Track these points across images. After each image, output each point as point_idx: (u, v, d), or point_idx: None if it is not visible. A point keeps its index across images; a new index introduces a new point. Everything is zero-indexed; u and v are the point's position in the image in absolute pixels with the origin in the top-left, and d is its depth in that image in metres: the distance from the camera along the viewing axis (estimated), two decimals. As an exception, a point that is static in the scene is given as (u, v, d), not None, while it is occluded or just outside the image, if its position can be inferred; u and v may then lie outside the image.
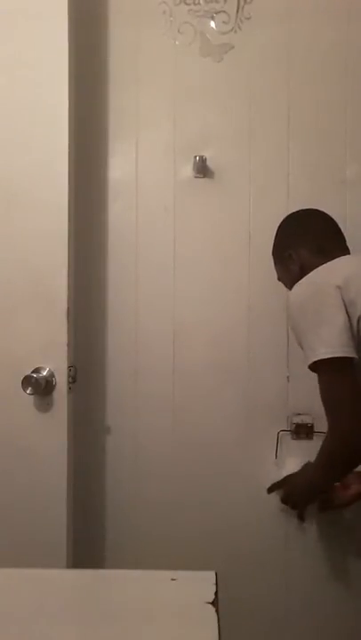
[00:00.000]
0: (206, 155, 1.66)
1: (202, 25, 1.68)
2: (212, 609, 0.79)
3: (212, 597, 0.82)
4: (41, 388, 1.45)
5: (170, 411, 1.69)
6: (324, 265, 1.41)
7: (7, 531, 1.49)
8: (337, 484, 1.54)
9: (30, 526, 1.49)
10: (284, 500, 1.60)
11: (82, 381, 1.63)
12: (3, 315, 1.52)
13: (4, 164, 1.52)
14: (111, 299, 1.70)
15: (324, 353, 1.30)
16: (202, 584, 0.86)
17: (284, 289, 1.56)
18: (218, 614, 0.78)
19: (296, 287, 1.41)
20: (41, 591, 0.88)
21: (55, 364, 1.48)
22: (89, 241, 1.68)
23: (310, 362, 1.33)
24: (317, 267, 1.41)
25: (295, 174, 1.67)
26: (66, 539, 1.48)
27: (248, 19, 1.67)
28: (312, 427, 1.65)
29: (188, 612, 0.81)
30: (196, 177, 1.68)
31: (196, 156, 1.65)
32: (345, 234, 1.55)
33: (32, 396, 1.47)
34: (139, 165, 1.70)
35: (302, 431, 1.66)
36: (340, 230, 1.51)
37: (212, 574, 0.88)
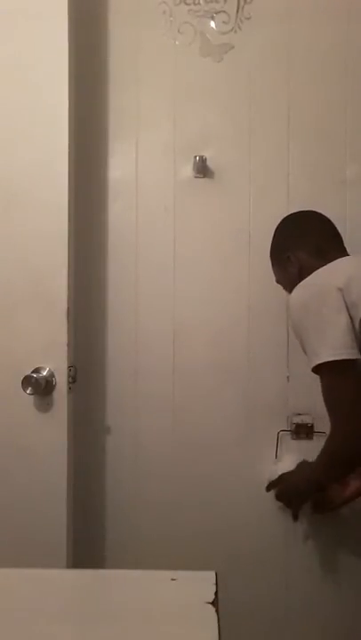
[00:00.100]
0: (206, 155, 1.66)
1: (202, 25, 1.68)
2: (212, 609, 0.79)
3: (212, 597, 0.82)
4: (41, 388, 1.45)
5: (170, 411, 1.69)
6: (325, 267, 1.41)
7: (7, 531, 1.49)
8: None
9: (30, 526, 1.49)
10: (279, 498, 1.60)
11: (82, 381, 1.63)
12: (3, 315, 1.52)
13: (4, 164, 1.52)
14: (111, 299, 1.70)
15: (327, 355, 1.30)
16: (202, 584, 0.86)
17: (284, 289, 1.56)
18: (218, 614, 0.78)
19: (297, 289, 1.40)
20: (41, 591, 0.88)
21: (55, 364, 1.48)
22: (89, 241, 1.68)
23: (314, 365, 1.33)
24: (316, 269, 1.41)
25: (295, 174, 1.67)
26: (66, 539, 1.48)
27: (248, 19, 1.67)
28: (312, 427, 1.65)
29: (188, 612, 0.81)
30: (196, 177, 1.68)
31: (196, 156, 1.65)
32: (345, 234, 1.55)
33: (32, 396, 1.47)
34: (139, 165, 1.70)
35: (302, 431, 1.66)
36: (337, 232, 1.50)
37: (212, 574, 0.88)
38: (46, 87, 1.49)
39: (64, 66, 1.48)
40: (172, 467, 1.69)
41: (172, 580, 0.88)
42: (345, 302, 1.31)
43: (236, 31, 1.67)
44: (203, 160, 1.65)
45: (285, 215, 1.57)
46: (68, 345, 1.48)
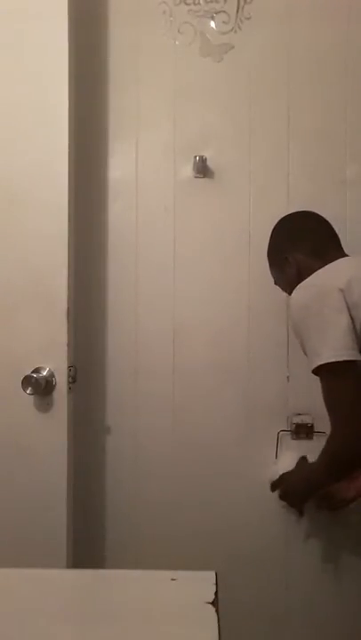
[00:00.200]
0: (206, 155, 1.66)
1: (202, 25, 1.68)
2: (212, 609, 0.79)
3: (212, 597, 0.81)
4: (41, 388, 1.45)
5: (170, 411, 1.69)
6: (325, 268, 1.40)
7: (7, 531, 1.49)
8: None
9: (30, 526, 1.49)
10: (282, 498, 1.60)
11: (82, 381, 1.63)
12: (3, 315, 1.52)
13: (4, 164, 1.52)
14: (111, 299, 1.70)
15: (328, 357, 1.30)
16: (202, 584, 0.85)
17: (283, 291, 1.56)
18: (218, 614, 0.78)
19: (298, 290, 1.40)
20: (41, 591, 0.88)
21: (55, 364, 1.48)
22: (89, 241, 1.68)
23: (315, 366, 1.32)
24: (315, 269, 1.41)
25: (295, 174, 1.67)
26: (66, 539, 1.48)
27: (248, 19, 1.67)
28: (312, 427, 1.65)
29: (188, 612, 0.81)
30: (196, 177, 1.68)
31: (196, 156, 1.65)
32: (345, 234, 1.55)
33: (32, 396, 1.47)
34: (139, 165, 1.70)
35: (302, 431, 1.66)
36: (334, 232, 1.50)
37: (212, 574, 0.88)
38: (46, 87, 1.49)
39: (64, 66, 1.48)
40: (172, 467, 1.69)
41: (172, 580, 0.88)
42: (346, 303, 1.31)
43: (236, 31, 1.67)
44: (203, 160, 1.65)
45: (284, 215, 1.57)
46: (68, 345, 1.48)
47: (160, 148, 1.69)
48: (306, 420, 1.66)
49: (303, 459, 1.58)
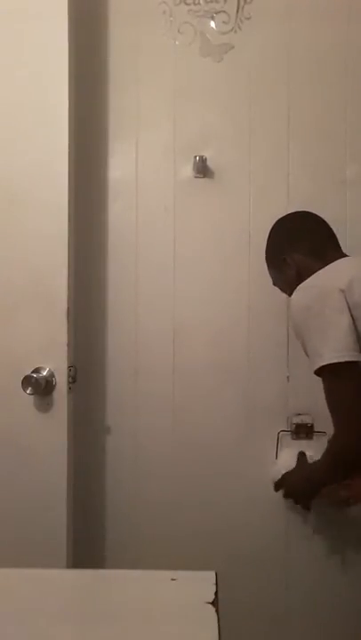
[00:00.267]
0: (206, 155, 1.66)
1: (202, 25, 1.68)
2: (212, 609, 0.79)
3: (212, 597, 0.81)
4: (41, 388, 1.45)
5: (170, 411, 1.69)
6: (326, 268, 1.40)
7: (7, 531, 1.49)
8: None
9: (30, 526, 1.49)
10: (286, 497, 1.61)
11: (82, 381, 1.63)
12: (3, 315, 1.52)
13: (4, 164, 1.52)
14: (111, 299, 1.70)
15: (330, 358, 1.30)
16: (202, 584, 0.85)
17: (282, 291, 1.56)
18: (218, 614, 0.78)
19: (298, 291, 1.40)
20: (41, 591, 0.88)
21: (55, 364, 1.48)
22: (89, 241, 1.68)
23: (317, 367, 1.32)
24: (314, 270, 1.41)
25: (295, 174, 1.67)
26: (66, 539, 1.48)
27: (248, 19, 1.67)
28: (312, 426, 1.65)
29: (188, 612, 0.81)
30: (196, 177, 1.68)
31: (196, 156, 1.65)
32: (345, 234, 1.55)
33: (32, 396, 1.47)
34: (139, 165, 1.70)
35: (302, 431, 1.66)
36: (332, 232, 1.50)
37: (212, 574, 0.88)
38: (46, 87, 1.49)
39: (64, 66, 1.48)
40: (172, 467, 1.69)
41: (172, 580, 0.88)
42: (347, 303, 1.31)
43: (236, 31, 1.67)
44: (203, 160, 1.65)
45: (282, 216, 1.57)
46: (68, 345, 1.48)
47: (160, 148, 1.69)
48: (306, 419, 1.65)
49: (302, 455, 1.59)
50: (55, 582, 0.93)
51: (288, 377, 1.67)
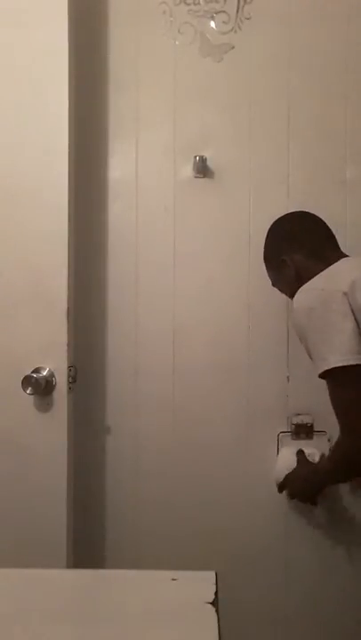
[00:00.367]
0: (206, 155, 1.66)
1: (202, 25, 1.68)
2: (212, 609, 0.79)
3: (212, 597, 0.81)
4: (41, 388, 1.45)
5: (170, 411, 1.69)
6: (328, 270, 1.40)
7: (7, 531, 1.49)
8: None
9: (30, 526, 1.49)
10: (291, 497, 1.61)
11: (82, 381, 1.63)
12: (3, 314, 1.52)
13: (4, 164, 1.52)
14: (111, 299, 1.70)
15: (335, 361, 1.29)
16: (202, 584, 0.85)
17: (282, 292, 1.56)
18: (218, 614, 0.78)
19: (301, 294, 1.39)
20: (41, 591, 0.88)
21: (55, 364, 1.48)
22: (89, 241, 1.68)
23: (321, 371, 1.32)
24: (314, 270, 1.40)
25: (295, 174, 1.67)
26: (66, 539, 1.48)
27: (248, 19, 1.67)
28: (312, 426, 1.65)
29: (188, 612, 0.80)
30: (196, 177, 1.68)
31: (196, 156, 1.65)
32: (345, 234, 1.55)
33: (32, 396, 1.47)
34: (139, 165, 1.70)
35: (302, 431, 1.66)
36: (331, 232, 1.49)
37: (212, 574, 0.87)
38: (46, 87, 1.49)
39: (64, 66, 1.48)
40: (172, 467, 1.69)
41: (173, 580, 0.88)
42: (350, 306, 1.31)
43: (236, 31, 1.67)
44: (203, 160, 1.65)
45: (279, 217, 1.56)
46: (68, 345, 1.48)
47: (160, 148, 1.69)
48: (306, 419, 1.65)
49: (301, 453, 1.58)
50: (55, 582, 0.93)
51: (288, 377, 1.67)
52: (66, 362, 1.48)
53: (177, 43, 1.68)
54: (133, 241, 1.69)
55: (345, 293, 1.31)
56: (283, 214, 1.56)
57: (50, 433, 1.48)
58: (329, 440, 1.62)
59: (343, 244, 1.51)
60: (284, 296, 1.57)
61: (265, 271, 1.57)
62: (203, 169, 1.66)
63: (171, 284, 1.69)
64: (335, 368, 1.29)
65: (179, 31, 1.68)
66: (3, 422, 1.51)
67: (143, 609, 0.82)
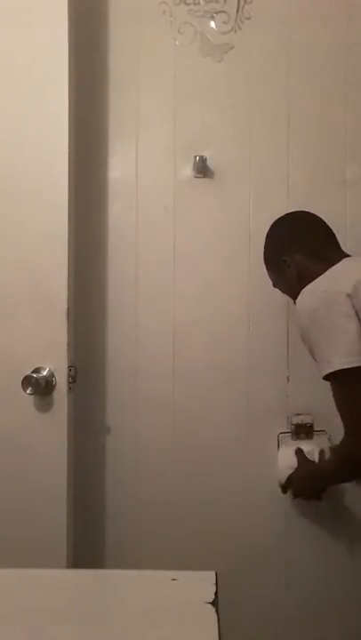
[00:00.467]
0: (206, 155, 1.66)
1: (202, 25, 1.68)
2: (212, 609, 0.79)
3: (212, 597, 0.81)
4: (41, 388, 1.45)
5: (170, 411, 1.69)
6: (330, 271, 1.39)
7: (7, 531, 1.49)
8: None
9: (30, 526, 1.49)
10: (296, 496, 1.61)
11: (82, 381, 1.63)
12: (3, 315, 1.52)
13: (4, 163, 1.52)
14: (111, 299, 1.70)
15: (340, 364, 1.29)
16: (202, 584, 0.85)
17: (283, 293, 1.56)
18: (218, 614, 0.78)
19: (304, 295, 1.39)
20: (41, 591, 0.88)
21: (55, 364, 1.48)
22: (89, 241, 1.68)
23: (326, 373, 1.32)
24: (315, 270, 1.40)
25: (295, 174, 1.67)
26: (66, 539, 1.48)
27: (248, 19, 1.67)
28: (312, 426, 1.65)
29: (188, 612, 0.80)
30: (196, 177, 1.68)
31: (196, 156, 1.65)
32: (345, 234, 1.55)
33: (32, 396, 1.47)
34: (139, 165, 1.70)
35: (302, 431, 1.66)
36: (331, 231, 1.49)
37: (212, 574, 0.87)
38: (46, 87, 1.49)
39: (64, 66, 1.48)
40: (172, 467, 1.69)
41: (172, 580, 0.88)
42: (354, 308, 1.30)
43: (236, 31, 1.67)
44: (203, 160, 1.65)
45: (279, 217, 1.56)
46: (68, 345, 1.48)
47: (160, 148, 1.69)
48: (306, 419, 1.65)
49: (300, 451, 1.58)
50: (55, 582, 0.93)
51: (288, 377, 1.67)
52: (66, 362, 1.48)
53: (177, 43, 1.68)
54: (133, 241, 1.69)
55: (348, 295, 1.31)
56: (283, 214, 1.56)
57: (50, 433, 1.48)
58: (329, 439, 1.62)
59: (343, 243, 1.51)
60: (284, 296, 1.57)
61: (265, 271, 1.57)
62: (203, 169, 1.66)
63: (171, 284, 1.68)
64: (340, 370, 1.29)
65: (179, 31, 1.68)
66: (3, 422, 1.51)
67: (143, 609, 0.82)
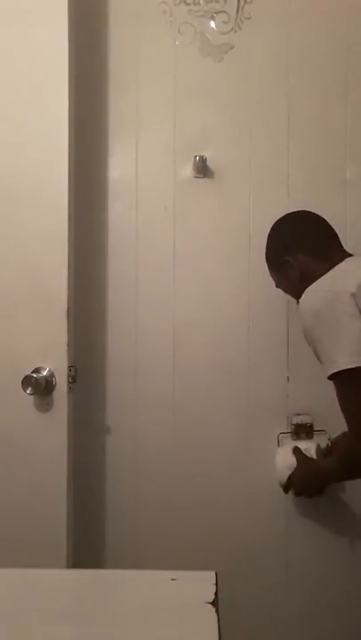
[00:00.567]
0: (206, 155, 1.66)
1: (202, 25, 1.68)
2: (212, 609, 0.79)
3: (212, 597, 0.81)
4: (41, 388, 1.45)
5: (170, 411, 1.69)
6: (334, 270, 1.39)
7: (7, 531, 1.49)
8: None
9: (30, 526, 1.49)
10: (298, 495, 1.61)
11: (82, 381, 1.63)
12: (3, 315, 1.52)
13: (4, 163, 1.52)
14: (111, 299, 1.70)
15: (345, 363, 1.29)
16: (202, 584, 0.85)
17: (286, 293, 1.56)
18: (218, 614, 0.78)
19: (308, 295, 1.38)
20: (41, 591, 0.88)
21: (55, 364, 1.48)
22: (89, 241, 1.68)
23: (331, 373, 1.32)
24: (317, 270, 1.40)
25: (295, 174, 1.67)
26: (66, 539, 1.48)
27: (248, 19, 1.67)
28: (311, 426, 1.65)
29: (188, 612, 0.80)
30: (196, 177, 1.68)
31: (196, 156, 1.65)
32: (345, 234, 1.55)
33: (32, 396, 1.47)
34: (139, 165, 1.70)
35: (302, 431, 1.65)
36: (333, 231, 1.49)
37: (212, 574, 0.87)
38: (46, 87, 1.49)
39: (64, 66, 1.48)
40: (172, 467, 1.69)
41: (172, 580, 0.88)
42: (358, 307, 1.30)
43: (236, 31, 1.67)
44: (203, 160, 1.65)
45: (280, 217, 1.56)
46: (68, 345, 1.48)
47: (160, 148, 1.69)
48: (306, 419, 1.65)
49: (298, 450, 1.58)
50: (55, 582, 0.93)
51: (288, 377, 1.67)
52: (66, 362, 1.48)
53: (177, 43, 1.68)
54: (133, 241, 1.69)
55: (353, 294, 1.31)
56: (283, 214, 1.56)
57: (50, 433, 1.48)
58: (329, 439, 1.62)
59: (344, 243, 1.50)
60: (284, 296, 1.57)
61: (265, 271, 1.57)
62: (203, 169, 1.66)
63: (171, 284, 1.68)
64: (345, 370, 1.29)
65: (179, 31, 1.68)
66: (3, 422, 1.51)
67: (143, 609, 0.82)
